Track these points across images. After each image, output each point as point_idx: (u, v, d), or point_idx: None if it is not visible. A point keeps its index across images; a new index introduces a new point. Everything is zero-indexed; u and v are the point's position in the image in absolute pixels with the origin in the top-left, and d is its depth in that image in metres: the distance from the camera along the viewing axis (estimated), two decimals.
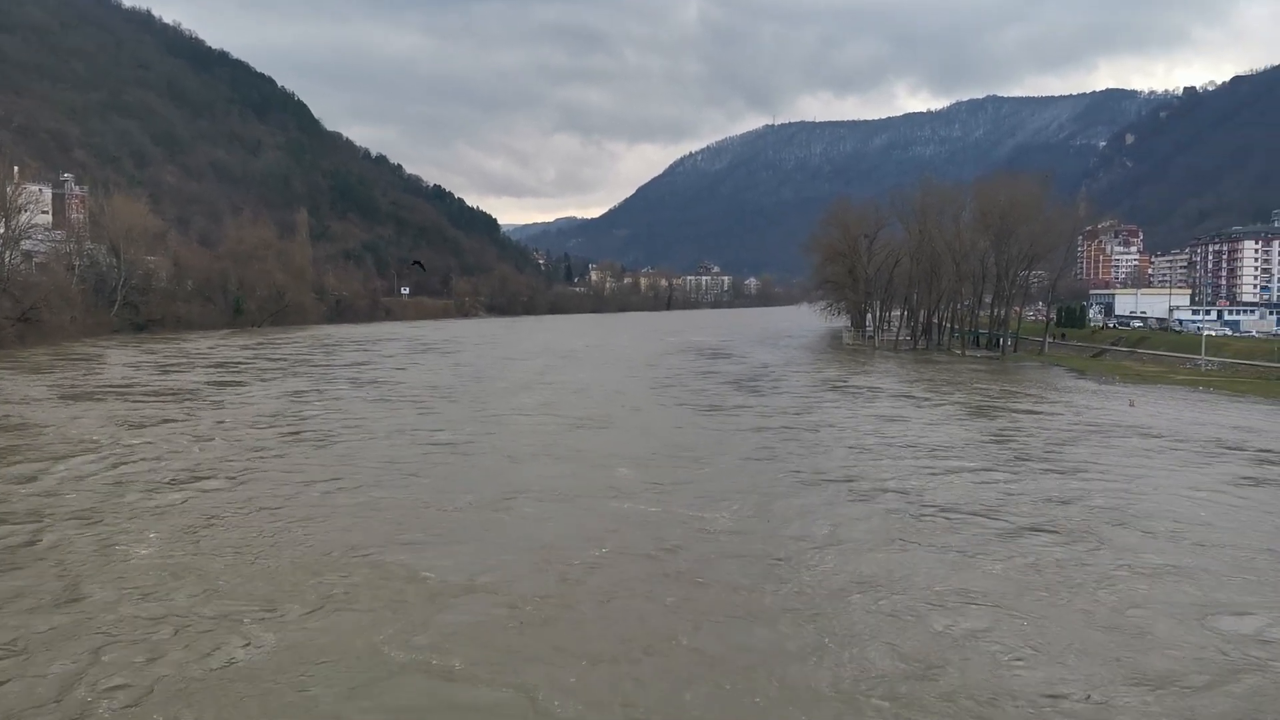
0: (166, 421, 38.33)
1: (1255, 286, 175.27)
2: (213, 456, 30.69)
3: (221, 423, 38.56)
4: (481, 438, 35.53)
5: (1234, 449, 36.41)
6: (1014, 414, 47.06)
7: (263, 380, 56.87)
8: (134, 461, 29.54)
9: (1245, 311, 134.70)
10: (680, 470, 29.36)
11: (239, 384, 54.98)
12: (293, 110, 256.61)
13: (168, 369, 63.92)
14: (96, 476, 27.27)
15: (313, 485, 26.39)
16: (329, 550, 20.05)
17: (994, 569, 19.60)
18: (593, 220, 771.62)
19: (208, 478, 27.39)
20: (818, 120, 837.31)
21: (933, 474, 29.60)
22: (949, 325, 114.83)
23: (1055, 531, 22.60)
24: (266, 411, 42.11)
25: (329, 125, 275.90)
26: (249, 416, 40.39)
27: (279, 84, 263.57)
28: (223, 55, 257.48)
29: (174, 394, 48.86)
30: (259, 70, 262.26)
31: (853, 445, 35.42)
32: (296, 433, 36.16)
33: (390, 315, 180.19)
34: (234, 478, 27.38)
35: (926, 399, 53.59)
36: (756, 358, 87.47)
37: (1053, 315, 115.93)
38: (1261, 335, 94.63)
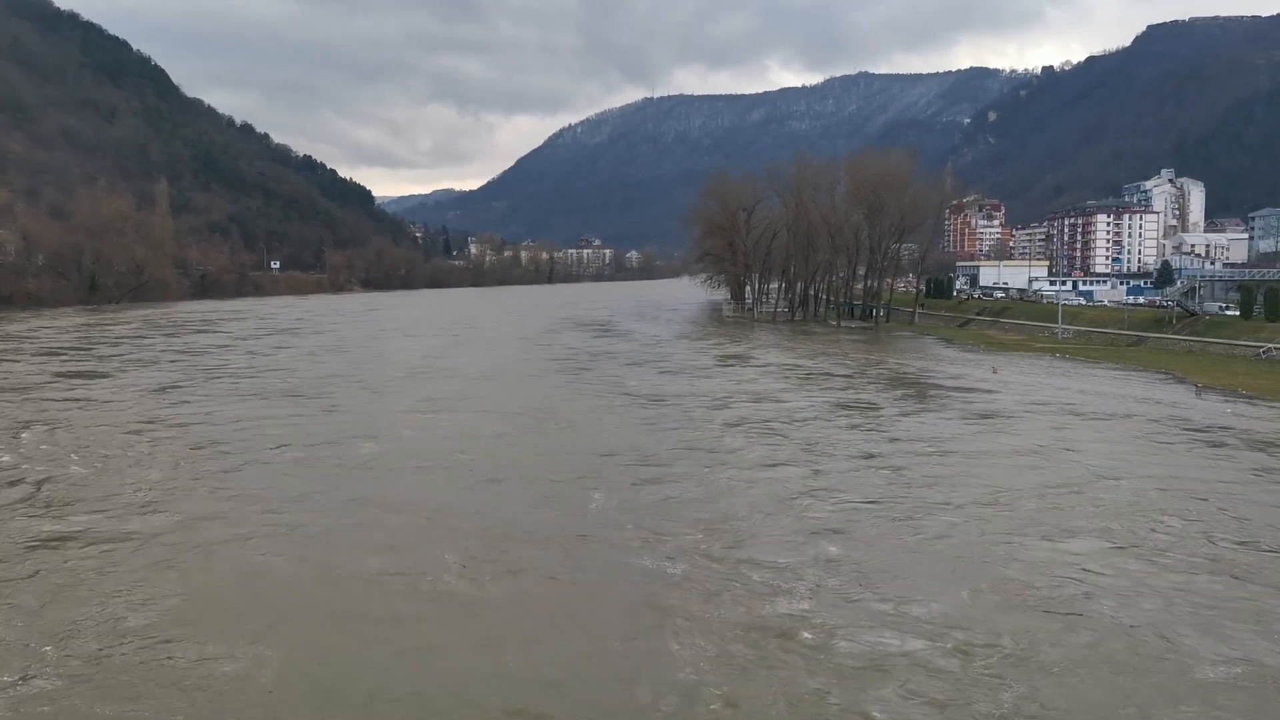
0: None
1: (1107, 258, 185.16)
2: (63, 493, 23.74)
3: (72, 432, 31.59)
4: (404, 449, 30.04)
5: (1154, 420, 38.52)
6: (948, 392, 47.42)
7: (123, 371, 50.98)
8: None
9: (1098, 282, 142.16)
10: (680, 501, 23.69)
11: (94, 375, 48.73)
12: (149, 75, 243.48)
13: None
14: None
15: (221, 549, 19.38)
16: (291, 693, 13.35)
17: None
18: (471, 192, 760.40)
19: (59, 540, 19.84)
20: (695, 94, 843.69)
21: (995, 498, 24.14)
22: (825, 297, 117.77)
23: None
24: (130, 417, 34.95)
25: (189, 91, 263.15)
26: (109, 422, 33.63)
27: (134, 47, 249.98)
28: (72, 17, 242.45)
29: (13, 391, 41.91)
30: (112, 33, 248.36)
31: (853, 451, 30.27)
32: (178, 453, 28.66)
33: (260, 290, 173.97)
34: (100, 529, 20.45)
35: (855, 377, 52.60)
36: (646, 332, 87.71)
37: (922, 286, 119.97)
38: (1112, 304, 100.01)
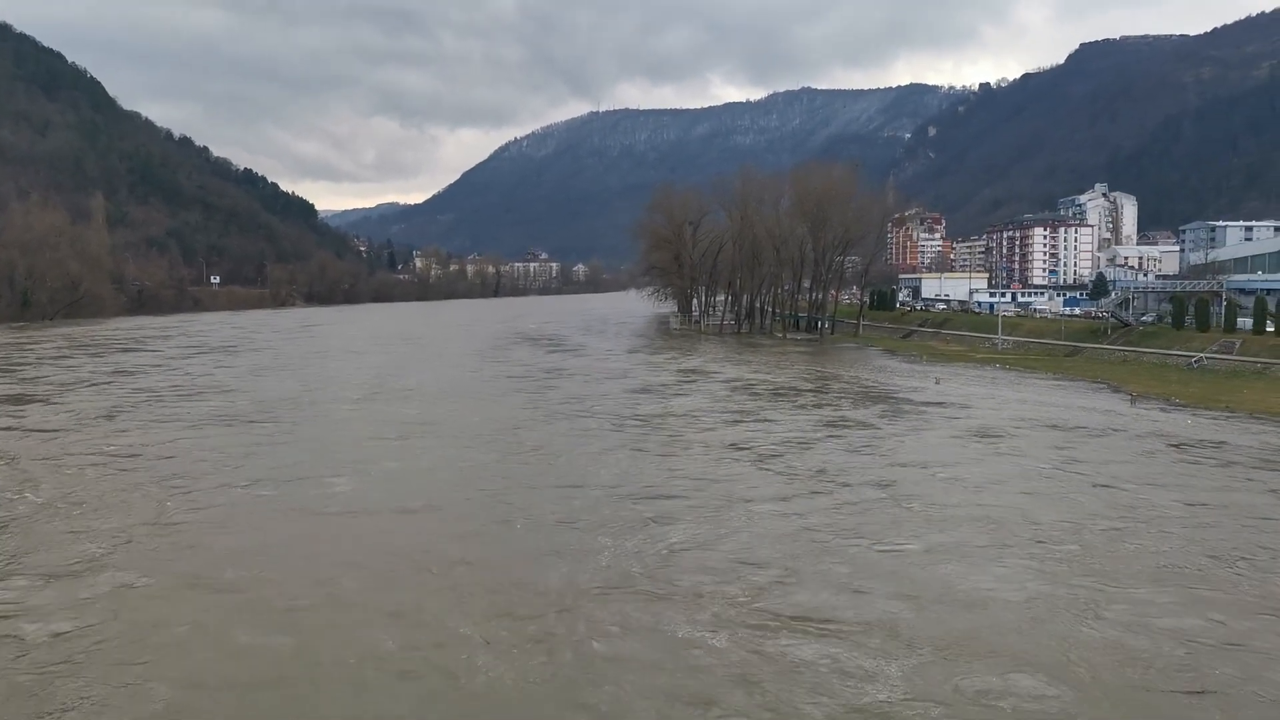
0: None
1: (1044, 270, 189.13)
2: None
3: None
4: (381, 486, 27.41)
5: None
6: (920, 406, 47.96)
7: (60, 395, 47.63)
8: None
9: (1036, 293, 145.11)
10: (700, 548, 21.32)
11: (28, 400, 45.72)
12: (85, 87, 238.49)
13: None
14: None
15: (200, 625, 16.41)
16: None
17: None
18: (416, 206, 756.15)
19: None
20: (641, 108, 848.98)
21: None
22: (771, 309, 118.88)
23: None
24: (62, 450, 31.91)
25: (126, 104, 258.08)
26: (40, 455, 30.78)
27: (69, 59, 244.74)
28: (4, 28, 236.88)
29: None
30: (46, 45, 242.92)
31: (861, 479, 28.65)
32: (127, 498, 25.16)
33: (199, 306, 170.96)
34: (48, 602, 17.37)
35: (822, 393, 53.07)
36: (598, 347, 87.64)
37: (866, 298, 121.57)
38: (1051, 315, 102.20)
